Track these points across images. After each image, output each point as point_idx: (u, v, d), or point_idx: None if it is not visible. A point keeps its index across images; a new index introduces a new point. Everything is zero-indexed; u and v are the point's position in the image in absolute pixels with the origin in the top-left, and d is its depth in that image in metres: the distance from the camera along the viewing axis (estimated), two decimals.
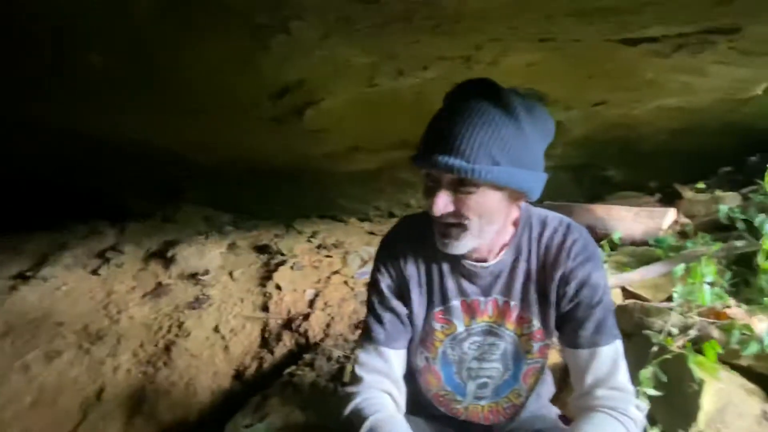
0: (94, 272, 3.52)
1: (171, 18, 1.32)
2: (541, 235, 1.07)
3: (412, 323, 1.13)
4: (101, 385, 2.59)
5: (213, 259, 3.54)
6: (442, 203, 0.91)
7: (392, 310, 1.11)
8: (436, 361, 1.16)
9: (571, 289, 1.04)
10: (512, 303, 1.09)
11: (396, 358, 1.11)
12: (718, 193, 2.71)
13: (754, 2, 1.20)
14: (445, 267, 1.09)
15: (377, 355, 1.10)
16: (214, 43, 1.47)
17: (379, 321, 1.11)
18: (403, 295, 1.12)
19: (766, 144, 3.07)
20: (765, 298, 1.73)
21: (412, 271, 1.10)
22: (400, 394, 1.11)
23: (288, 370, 2.33)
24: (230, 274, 3.36)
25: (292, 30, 1.34)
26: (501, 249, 1.06)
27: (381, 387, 1.09)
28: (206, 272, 3.40)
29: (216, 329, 2.84)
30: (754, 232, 2.22)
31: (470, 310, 1.11)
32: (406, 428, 1.01)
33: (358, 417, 1.02)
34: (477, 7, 1.19)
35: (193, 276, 3.38)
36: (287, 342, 2.66)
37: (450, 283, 1.09)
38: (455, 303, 1.10)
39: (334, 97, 2.03)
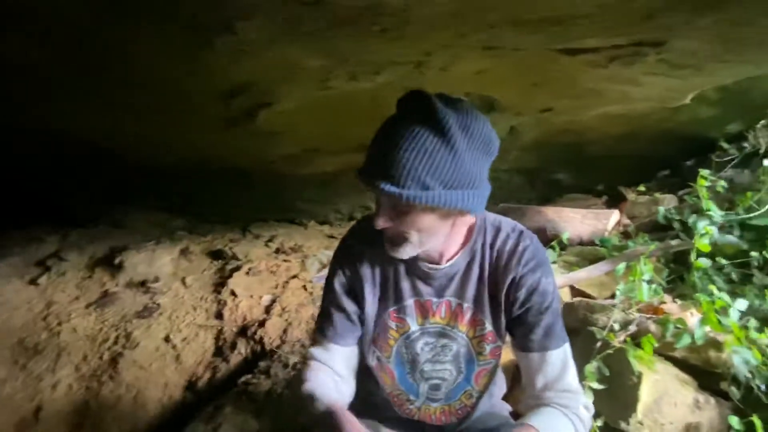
0: (33, 282, 3.29)
1: (111, 10, 1.25)
2: (494, 240, 1.10)
3: (363, 322, 1.16)
4: (39, 402, 2.43)
5: (164, 265, 3.39)
6: (382, 220, 0.97)
7: (342, 309, 1.14)
8: (390, 359, 1.18)
9: (521, 295, 1.08)
10: (465, 305, 1.12)
11: (340, 355, 1.15)
12: (657, 195, 2.88)
13: (675, 18, 1.29)
14: (401, 268, 1.12)
15: (325, 350, 1.14)
16: (160, 40, 1.41)
17: (329, 318, 1.15)
18: (357, 295, 1.15)
19: (699, 149, 3.29)
20: (697, 294, 1.85)
21: (367, 271, 1.13)
22: (345, 385, 1.15)
23: (243, 379, 2.28)
24: (182, 280, 3.24)
25: (237, 30, 1.31)
26: (456, 252, 1.09)
27: (326, 365, 1.14)
28: (156, 279, 3.26)
29: (167, 339, 2.73)
30: (689, 231, 2.38)
31: (423, 310, 1.14)
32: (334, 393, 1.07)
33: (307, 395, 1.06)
34: (421, 14, 1.21)
35: (143, 284, 3.23)
36: (242, 350, 2.59)
37: (405, 284, 1.13)
38: (409, 302, 1.13)
39: (288, 99, 2.00)
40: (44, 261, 3.50)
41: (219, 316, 2.85)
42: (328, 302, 1.16)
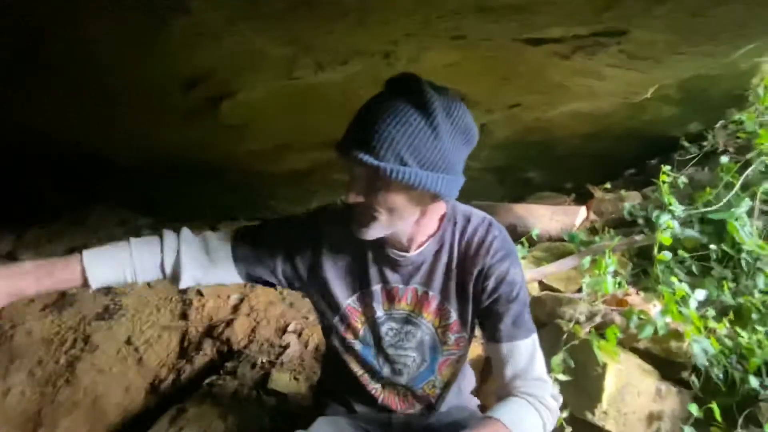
0: None
1: None
2: (464, 230, 1.10)
3: (331, 306, 1.15)
4: None
5: None
6: (354, 194, 0.95)
7: (271, 249, 1.12)
8: (355, 341, 1.18)
9: (489, 285, 1.08)
10: (431, 293, 1.13)
11: (189, 254, 1.10)
12: (623, 192, 2.95)
13: (634, 7, 1.32)
14: (370, 254, 1.11)
15: (202, 244, 1.11)
16: (108, 23, 1.32)
17: (243, 239, 1.12)
18: (296, 264, 1.13)
19: (662, 149, 3.40)
20: (660, 285, 1.90)
21: (329, 250, 1.12)
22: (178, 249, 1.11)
23: (208, 380, 2.20)
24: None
25: (192, 10, 1.24)
26: (425, 240, 1.09)
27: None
28: None
29: (128, 341, 2.62)
30: (652, 226, 2.44)
31: (389, 296, 1.14)
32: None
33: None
34: None
35: None
36: (208, 351, 2.50)
37: (372, 270, 1.12)
38: (376, 288, 1.13)
39: (252, 89, 1.94)
40: None
41: (184, 316, 2.76)
42: (264, 229, 1.15)
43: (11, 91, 2.10)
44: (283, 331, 2.54)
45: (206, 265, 1.10)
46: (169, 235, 1.12)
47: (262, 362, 2.28)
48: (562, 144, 3.47)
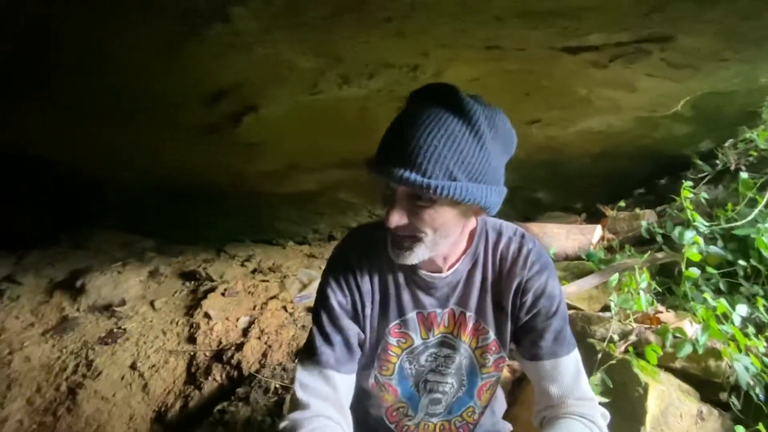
0: None
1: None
2: (496, 244, 1.05)
3: (362, 345, 1.05)
4: None
5: (131, 287, 3.18)
6: (397, 217, 0.86)
7: (343, 331, 1.01)
8: (392, 377, 1.10)
9: (528, 300, 1.02)
10: (468, 314, 1.06)
11: (343, 384, 1.01)
12: (638, 211, 2.94)
13: (684, 10, 1.31)
14: (401, 278, 1.04)
15: (323, 379, 0.99)
16: (136, 33, 1.29)
17: (328, 341, 1.01)
18: (356, 313, 1.03)
19: (672, 168, 3.41)
20: (691, 303, 1.84)
21: (366, 285, 1.03)
22: (347, 424, 1.00)
23: (219, 407, 2.10)
24: (151, 303, 3.03)
25: (232, 18, 1.22)
26: (457, 259, 1.03)
27: (328, 415, 0.97)
28: (122, 303, 3.04)
29: (133, 366, 2.51)
30: (672, 244, 2.41)
31: (427, 323, 1.06)
32: None
33: None
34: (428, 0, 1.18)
35: (107, 308, 3.00)
36: (218, 376, 2.40)
37: (406, 296, 1.04)
38: (411, 315, 1.05)
39: (275, 104, 1.91)
40: None
41: (192, 340, 2.66)
42: (326, 323, 1.01)
43: (14, 112, 2.05)
44: (296, 354, 2.45)
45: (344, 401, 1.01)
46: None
47: (275, 387, 2.18)
48: (571, 163, 3.47)
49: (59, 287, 3.23)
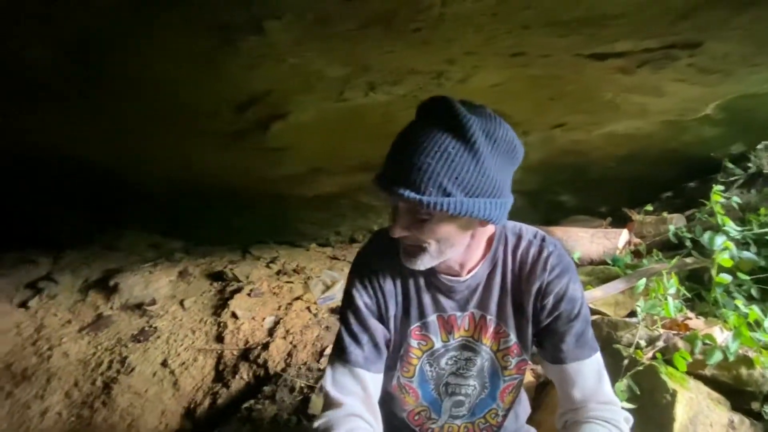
0: (23, 305, 3.17)
1: (128, 10, 1.21)
2: (516, 247, 1.06)
3: (388, 344, 1.08)
4: (26, 431, 2.28)
5: (161, 287, 3.29)
6: (399, 229, 0.92)
7: (370, 330, 1.05)
8: (413, 379, 1.12)
9: (549, 303, 1.03)
10: (488, 317, 1.07)
11: (372, 382, 1.04)
12: (665, 215, 2.87)
13: (713, 17, 1.30)
14: (421, 281, 1.06)
15: (353, 377, 1.03)
16: (174, 44, 1.36)
17: (357, 341, 1.04)
18: (381, 314, 1.06)
19: (700, 171, 3.33)
20: (722, 309, 1.81)
21: (389, 286, 1.06)
22: (378, 423, 1.03)
23: (246, 405, 2.16)
24: (181, 303, 3.13)
25: (266, 31, 1.27)
26: (476, 263, 1.04)
27: (359, 415, 1.00)
28: (153, 302, 3.15)
29: (164, 363, 2.60)
30: (701, 249, 2.36)
31: (447, 326, 1.08)
32: None
33: None
34: (458, 10, 1.20)
35: (139, 306, 3.12)
36: (245, 374, 2.47)
37: (426, 299, 1.06)
38: (432, 318, 1.07)
39: (301, 111, 1.97)
40: (35, 283, 3.39)
41: (219, 339, 2.73)
42: (354, 324, 1.05)
43: (55, 116, 2.16)
44: (321, 354, 2.49)
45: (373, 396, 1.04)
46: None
47: (300, 387, 2.23)
48: (596, 166, 3.43)
49: (94, 286, 3.37)
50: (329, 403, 1.01)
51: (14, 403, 2.42)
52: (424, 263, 0.95)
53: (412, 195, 0.83)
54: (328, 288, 3.08)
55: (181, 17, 1.23)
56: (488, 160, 0.85)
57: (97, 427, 2.28)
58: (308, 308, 2.93)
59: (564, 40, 1.40)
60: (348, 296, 1.08)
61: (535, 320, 1.05)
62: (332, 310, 2.92)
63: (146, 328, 2.89)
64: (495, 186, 0.87)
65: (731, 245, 1.96)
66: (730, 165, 3.02)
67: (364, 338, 1.04)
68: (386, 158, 0.89)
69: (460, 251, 0.98)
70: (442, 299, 1.06)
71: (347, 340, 1.04)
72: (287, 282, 3.29)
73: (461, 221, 0.91)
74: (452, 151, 0.83)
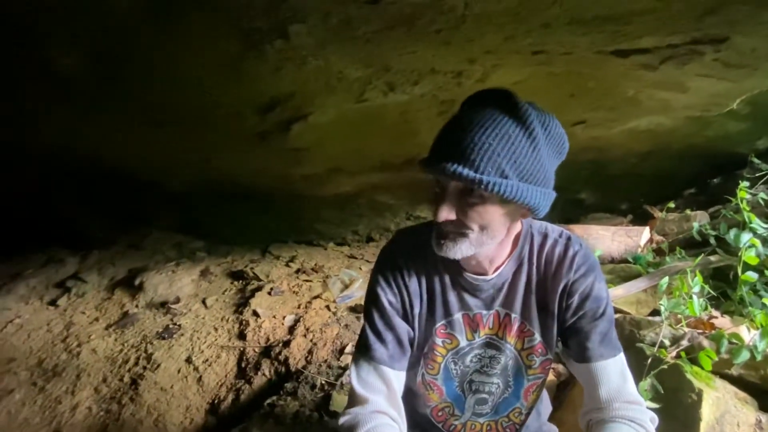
0: (52, 303, 3.28)
1: (155, 16, 1.25)
2: (542, 246, 1.06)
3: (412, 342, 1.08)
4: (57, 426, 2.36)
5: (184, 286, 3.36)
6: (446, 211, 0.88)
7: (394, 329, 1.05)
8: (437, 376, 1.13)
9: (574, 301, 1.03)
10: (513, 315, 1.07)
11: (396, 380, 1.05)
12: (689, 212, 2.82)
13: (741, 12, 1.27)
14: (447, 280, 1.06)
15: (377, 374, 1.04)
16: (200, 49, 1.40)
17: (381, 339, 1.05)
18: (406, 312, 1.07)
19: (725, 167, 3.26)
20: (749, 308, 1.77)
21: (414, 284, 1.06)
22: (402, 420, 1.04)
23: (268, 401, 2.20)
24: (203, 301, 3.20)
25: (290, 35, 1.30)
26: (502, 262, 1.04)
27: (385, 411, 1.01)
28: (177, 300, 3.22)
29: (188, 360, 2.66)
30: (726, 246, 2.31)
31: (473, 324, 1.08)
32: None
33: None
34: (480, 11, 1.21)
35: (163, 305, 3.19)
36: (267, 371, 2.51)
37: (452, 297, 1.07)
38: (457, 317, 1.07)
39: (322, 112, 2.00)
40: (63, 282, 3.50)
41: (241, 336, 2.79)
42: (378, 321, 1.05)
43: (83, 119, 2.22)
44: (340, 352, 2.52)
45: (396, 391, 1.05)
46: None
47: (321, 383, 2.26)
48: (616, 163, 3.38)
49: (120, 285, 3.47)
50: (354, 400, 1.03)
51: (46, 397, 2.50)
52: (462, 251, 0.92)
53: (471, 173, 0.81)
54: (346, 287, 3.11)
55: (208, 24, 1.26)
56: (543, 149, 0.85)
57: (125, 421, 2.35)
58: (327, 306, 2.97)
59: (586, 37, 1.38)
60: (372, 294, 1.08)
61: (560, 319, 1.05)
62: (351, 309, 2.95)
63: (170, 326, 2.96)
64: (546, 175, 0.88)
65: (758, 242, 1.92)
66: (756, 160, 2.95)
67: (388, 336, 1.05)
68: (437, 139, 0.88)
69: (494, 245, 0.97)
70: (468, 298, 1.06)
71: (372, 338, 1.05)
72: (306, 281, 3.33)
73: (509, 208, 0.90)
74: (512, 134, 0.82)
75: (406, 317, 1.07)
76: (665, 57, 1.53)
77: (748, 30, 1.36)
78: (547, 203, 0.91)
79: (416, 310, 1.07)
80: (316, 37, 1.33)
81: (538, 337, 1.07)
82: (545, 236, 1.06)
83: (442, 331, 1.08)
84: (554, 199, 0.95)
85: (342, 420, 1.01)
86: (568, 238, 1.07)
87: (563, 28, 1.32)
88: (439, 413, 1.17)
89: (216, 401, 2.44)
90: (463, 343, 1.09)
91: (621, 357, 1.05)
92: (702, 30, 1.35)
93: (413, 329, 1.08)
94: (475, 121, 0.84)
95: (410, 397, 1.17)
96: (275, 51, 1.40)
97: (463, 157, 0.82)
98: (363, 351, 1.06)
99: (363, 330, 1.08)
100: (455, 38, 1.38)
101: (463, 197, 0.88)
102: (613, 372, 1.02)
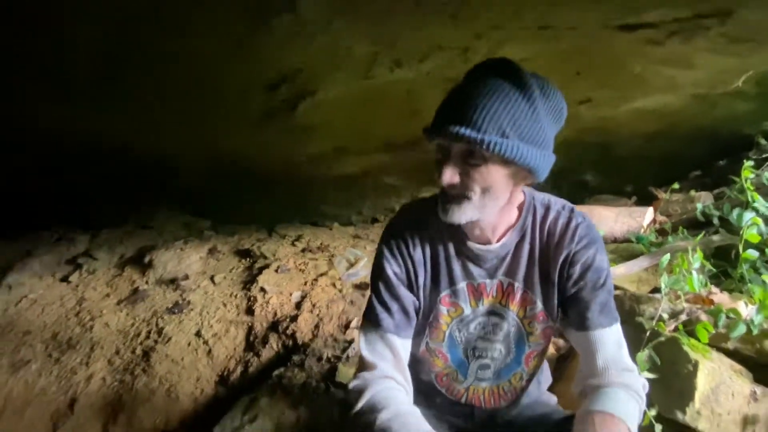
0: (64, 279, 3.35)
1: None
2: (544, 218, 1.09)
3: (417, 311, 1.12)
4: (73, 395, 2.45)
5: (193, 263, 3.42)
6: (449, 174, 0.92)
7: (399, 299, 1.09)
8: (442, 343, 1.16)
9: (576, 272, 1.06)
10: (516, 284, 1.11)
11: (403, 348, 1.09)
12: (693, 193, 2.83)
13: None
14: (451, 249, 1.10)
15: (384, 342, 1.08)
16: (210, 26, 1.42)
17: (387, 309, 1.09)
18: (411, 282, 1.11)
19: (732, 149, 3.24)
20: (748, 285, 1.80)
21: (418, 255, 1.10)
22: (408, 384, 1.09)
23: (276, 372, 2.26)
24: (211, 278, 3.26)
25: (299, 8, 1.32)
26: (505, 231, 1.07)
27: (392, 376, 1.05)
28: (186, 277, 3.28)
29: (198, 334, 2.73)
30: (729, 227, 2.33)
31: (476, 293, 1.11)
32: (423, 422, 0.98)
33: (373, 411, 0.98)
34: None
35: (172, 281, 3.26)
36: (274, 345, 2.57)
37: (456, 266, 1.10)
38: (462, 286, 1.11)
39: (329, 89, 2.02)
40: (75, 259, 3.57)
41: (249, 311, 2.85)
42: (384, 292, 1.09)
43: (93, 99, 2.24)
44: (346, 327, 2.58)
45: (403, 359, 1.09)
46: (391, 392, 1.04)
47: (327, 356, 2.32)
48: (621, 145, 3.37)
49: (130, 262, 3.54)
50: (363, 366, 1.07)
51: (62, 368, 2.58)
52: (466, 215, 0.96)
53: (471, 133, 0.85)
54: (351, 265, 3.16)
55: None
56: (542, 112, 0.89)
57: (138, 391, 2.43)
58: (333, 284, 3.02)
59: (593, 13, 1.39)
60: (378, 266, 1.12)
61: (561, 288, 1.09)
62: (356, 286, 3.00)
63: (180, 302, 3.02)
64: (546, 137, 0.92)
65: (760, 221, 1.93)
66: (763, 141, 2.93)
67: (394, 306, 1.08)
68: (440, 107, 0.91)
69: (495, 210, 1.00)
70: (472, 267, 1.09)
71: (378, 308, 1.09)
72: (312, 259, 3.38)
73: (510, 170, 0.93)
74: (512, 96, 0.86)
75: (411, 287, 1.11)
76: (671, 31, 1.53)
77: (752, 3, 1.36)
78: (547, 165, 0.95)
79: (421, 280, 1.10)
80: (324, 12, 1.34)
81: (540, 305, 1.11)
82: (548, 208, 1.09)
83: (446, 299, 1.12)
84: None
85: (352, 384, 1.06)
86: (571, 210, 1.10)
87: (570, 2, 1.33)
88: (443, 379, 1.21)
89: (225, 373, 2.51)
90: (467, 311, 1.12)
91: (618, 326, 1.08)
92: (707, 2, 1.35)
93: (418, 299, 1.11)
94: (477, 87, 0.87)
95: (415, 364, 1.20)
96: (283, 25, 1.42)
97: (465, 119, 0.86)
98: (370, 320, 1.10)
99: (370, 300, 1.13)
100: (462, 12, 1.39)
101: (465, 160, 0.92)
102: (609, 341, 1.06)
